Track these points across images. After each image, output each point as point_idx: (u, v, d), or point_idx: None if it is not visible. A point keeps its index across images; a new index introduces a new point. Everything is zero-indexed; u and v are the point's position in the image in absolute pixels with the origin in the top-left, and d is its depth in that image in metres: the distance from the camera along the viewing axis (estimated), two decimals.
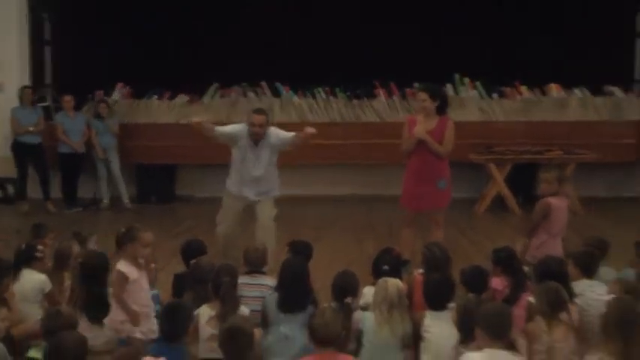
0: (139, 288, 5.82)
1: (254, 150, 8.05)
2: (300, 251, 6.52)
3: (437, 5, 13.52)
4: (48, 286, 6.26)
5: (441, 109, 8.16)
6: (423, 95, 8.11)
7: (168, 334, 4.91)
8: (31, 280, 6.27)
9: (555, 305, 4.97)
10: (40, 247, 6.50)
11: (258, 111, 8.23)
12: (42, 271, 6.38)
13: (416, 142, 8.04)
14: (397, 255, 6.35)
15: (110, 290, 6.14)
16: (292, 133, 8.11)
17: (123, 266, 5.78)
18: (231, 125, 8.40)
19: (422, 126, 8.01)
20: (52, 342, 4.48)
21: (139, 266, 5.88)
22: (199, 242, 6.84)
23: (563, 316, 4.99)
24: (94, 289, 5.99)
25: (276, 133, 8.12)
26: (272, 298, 5.67)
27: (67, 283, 6.41)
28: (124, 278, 5.75)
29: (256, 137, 7.99)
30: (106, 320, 5.75)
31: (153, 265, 6.38)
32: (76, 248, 6.72)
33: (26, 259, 6.39)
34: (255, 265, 6.42)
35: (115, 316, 5.73)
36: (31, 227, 7.38)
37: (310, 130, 7.92)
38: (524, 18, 13.59)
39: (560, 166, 7.72)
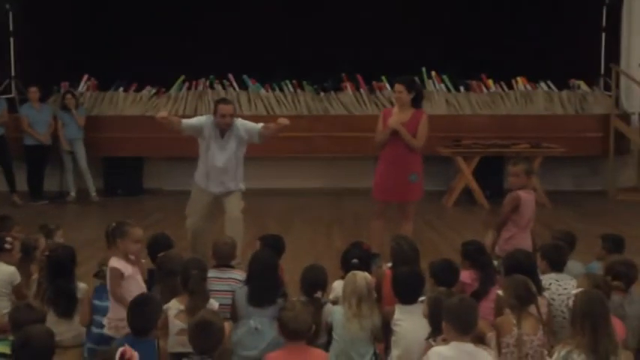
0: (135, 283, 5.64)
1: (219, 141, 7.93)
2: (272, 245, 6.47)
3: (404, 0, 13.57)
4: (17, 278, 6.22)
5: (416, 102, 8.19)
6: (400, 87, 8.12)
7: (137, 329, 4.88)
8: (0, 271, 6.23)
9: (524, 298, 4.99)
10: (9, 238, 6.45)
11: (225, 101, 8.11)
12: (10, 263, 6.33)
13: (389, 133, 8.03)
14: (366, 249, 6.36)
15: (79, 285, 6.09)
16: (260, 124, 8.02)
17: (116, 262, 5.59)
18: (196, 117, 8.35)
19: (396, 117, 8.03)
20: (19, 336, 4.45)
21: (131, 262, 5.69)
22: (165, 236, 6.75)
23: (532, 309, 5.02)
24: (61, 283, 5.94)
25: (244, 125, 7.99)
26: (242, 291, 5.64)
27: (35, 276, 6.35)
28: (119, 275, 5.56)
29: (223, 127, 7.87)
30: (104, 320, 5.61)
31: (143, 261, 6.21)
32: (42, 241, 6.64)
33: None
34: (224, 259, 6.38)
35: (114, 314, 5.52)
36: (37, 228, 7.25)
37: (283, 120, 7.85)
38: (491, 11, 13.64)
39: (529, 160, 7.74)
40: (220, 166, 7.93)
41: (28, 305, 5.06)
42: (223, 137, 7.92)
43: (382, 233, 8.19)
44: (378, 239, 8.09)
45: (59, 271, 5.98)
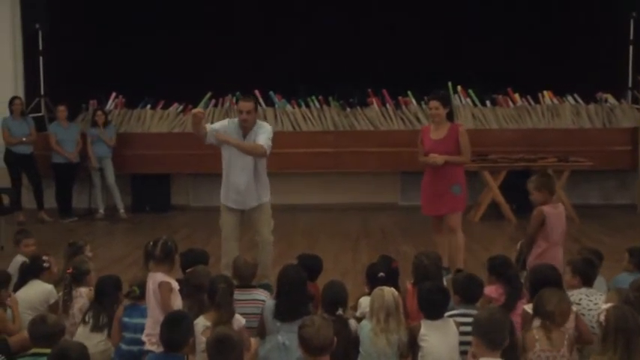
0: (179, 298, 5.63)
1: None
2: (309, 265, 6.41)
3: (429, 14, 13.55)
4: (53, 296, 6.29)
5: (451, 115, 8.29)
6: (435, 103, 8.20)
7: (170, 344, 4.89)
8: (38, 290, 6.30)
9: (554, 313, 4.96)
10: (45, 257, 6.52)
11: (245, 97, 7.88)
12: (49, 281, 6.39)
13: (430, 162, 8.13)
14: (395, 266, 6.32)
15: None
16: (262, 142, 7.66)
17: (165, 277, 5.54)
18: (219, 122, 8.16)
19: (438, 157, 8.05)
20: (55, 350, 4.48)
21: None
22: (201, 252, 6.77)
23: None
24: (106, 306, 5.96)
25: (264, 130, 7.74)
26: (270, 306, 5.62)
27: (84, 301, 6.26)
28: (170, 289, 5.52)
29: (244, 124, 7.68)
30: (144, 337, 5.53)
31: None
32: (91, 265, 6.59)
33: (34, 271, 6.43)
34: (245, 279, 6.33)
35: (156, 330, 5.33)
36: (66, 246, 7.13)
37: None
38: (517, 24, 13.60)
39: (548, 175, 7.62)
40: (243, 171, 7.71)
41: (42, 318, 5.04)
42: (245, 139, 7.72)
43: (447, 246, 8.25)
44: (445, 253, 8.14)
45: (104, 296, 6.01)
